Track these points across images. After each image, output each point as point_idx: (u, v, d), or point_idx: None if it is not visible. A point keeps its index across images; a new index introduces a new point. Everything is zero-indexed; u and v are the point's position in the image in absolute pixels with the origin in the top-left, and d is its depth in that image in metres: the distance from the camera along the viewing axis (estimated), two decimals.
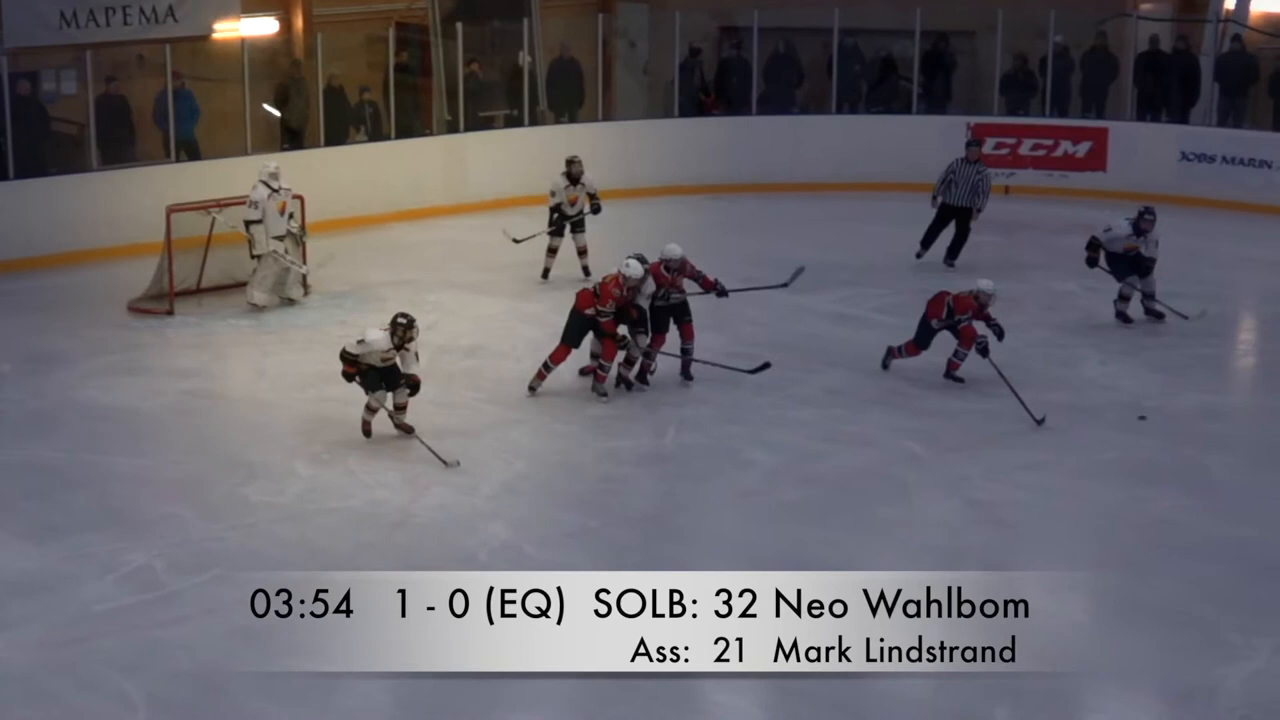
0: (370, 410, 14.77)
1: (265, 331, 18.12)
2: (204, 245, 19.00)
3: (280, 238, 18.65)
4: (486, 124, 24.46)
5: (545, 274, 19.87)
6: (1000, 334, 16.14)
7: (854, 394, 16.01)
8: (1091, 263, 18.27)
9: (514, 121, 24.55)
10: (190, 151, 22.00)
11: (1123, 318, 18.29)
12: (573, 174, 19.72)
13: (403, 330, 14.50)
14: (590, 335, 15.95)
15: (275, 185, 18.54)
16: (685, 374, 16.33)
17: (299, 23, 24.16)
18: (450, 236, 22.25)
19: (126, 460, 14.54)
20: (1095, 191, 24.28)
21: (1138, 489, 13.91)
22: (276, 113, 22.83)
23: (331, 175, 21.99)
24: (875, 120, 25.57)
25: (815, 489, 13.90)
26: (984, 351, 15.91)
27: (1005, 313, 18.70)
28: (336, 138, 22.95)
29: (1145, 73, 24.85)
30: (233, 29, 22.95)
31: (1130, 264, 18.15)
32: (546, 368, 15.94)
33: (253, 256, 18.61)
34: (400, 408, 14.78)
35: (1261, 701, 10.59)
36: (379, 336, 14.52)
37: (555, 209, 19.79)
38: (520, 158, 23.89)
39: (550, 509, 13.49)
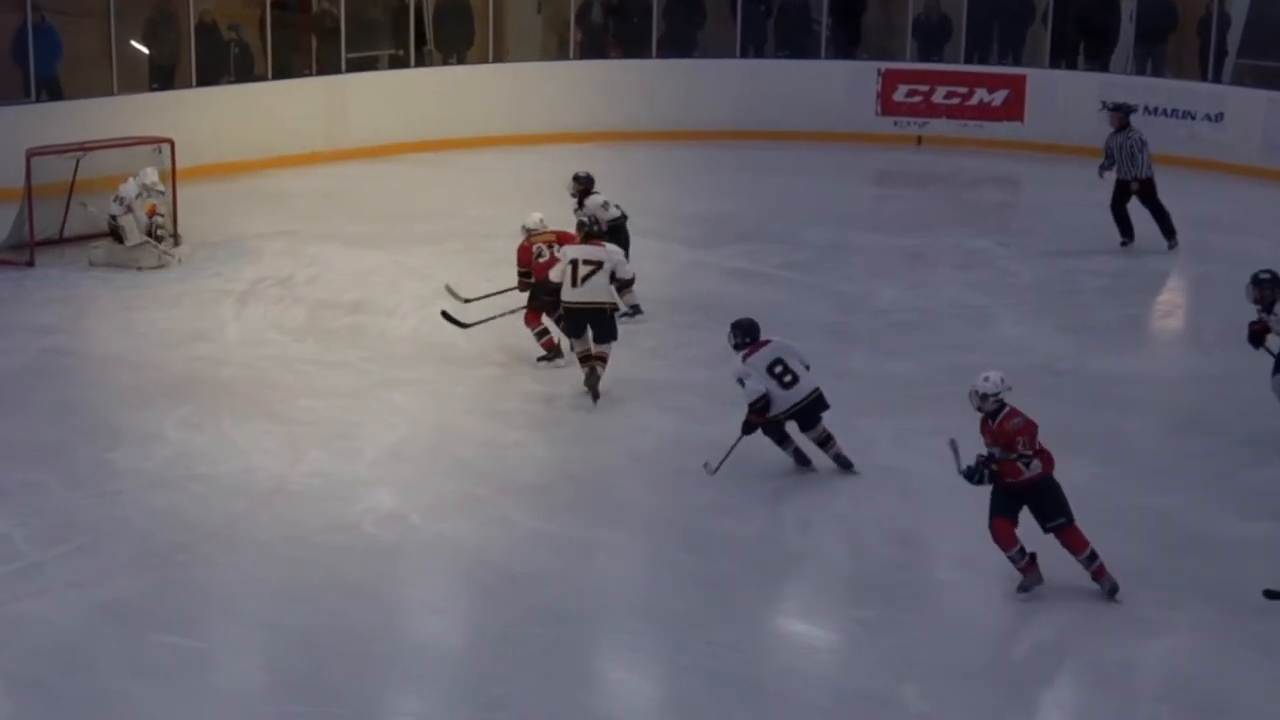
0: None
1: (132, 286, 17.93)
2: (67, 192, 18.81)
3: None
4: (370, 65, 24.30)
5: None
6: None
7: None
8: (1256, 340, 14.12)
9: (399, 62, 24.41)
10: (52, 91, 21.76)
11: None
12: None
13: None
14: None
15: (150, 191, 18.39)
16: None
17: None
18: (331, 185, 22.12)
19: None
20: (1012, 143, 24.46)
21: None
22: (145, 50, 22.59)
23: (204, 117, 21.82)
24: (780, 65, 25.60)
25: (713, 454, 13.94)
26: None
27: (916, 270, 18.91)
28: (209, 77, 22.72)
29: (1061, 17, 24.98)
30: None
31: None
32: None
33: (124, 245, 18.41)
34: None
35: (1179, 678, 10.71)
36: None
37: None
38: (406, 101, 23.81)
39: (437, 476, 13.43)
